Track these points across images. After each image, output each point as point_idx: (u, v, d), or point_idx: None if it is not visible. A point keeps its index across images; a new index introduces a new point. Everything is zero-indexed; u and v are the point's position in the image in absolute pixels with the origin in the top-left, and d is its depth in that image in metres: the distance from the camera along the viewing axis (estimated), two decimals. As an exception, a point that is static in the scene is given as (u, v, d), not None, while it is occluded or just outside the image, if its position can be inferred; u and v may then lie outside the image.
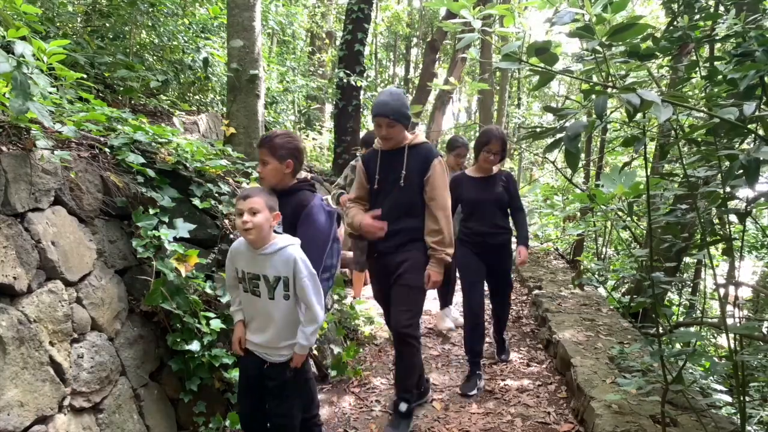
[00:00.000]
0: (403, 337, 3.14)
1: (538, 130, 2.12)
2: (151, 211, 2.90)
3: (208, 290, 3.05)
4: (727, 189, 2.23)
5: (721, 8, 2.84)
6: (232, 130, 4.29)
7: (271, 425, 2.64)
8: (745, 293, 6.87)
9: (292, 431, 2.63)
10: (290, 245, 2.50)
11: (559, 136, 1.73)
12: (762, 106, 1.91)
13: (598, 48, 1.74)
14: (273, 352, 2.57)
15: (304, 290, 2.48)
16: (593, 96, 1.78)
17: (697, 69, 2.35)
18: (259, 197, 2.45)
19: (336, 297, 4.72)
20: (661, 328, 2.99)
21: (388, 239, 3.15)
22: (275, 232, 2.64)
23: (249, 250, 2.51)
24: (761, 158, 1.60)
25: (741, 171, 1.64)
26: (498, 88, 14.61)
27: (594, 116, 1.66)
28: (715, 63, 2.51)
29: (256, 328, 2.58)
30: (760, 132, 1.78)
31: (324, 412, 3.65)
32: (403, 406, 3.26)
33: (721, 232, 2.82)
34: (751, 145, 1.86)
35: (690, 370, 3.65)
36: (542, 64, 1.77)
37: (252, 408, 2.66)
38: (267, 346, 2.56)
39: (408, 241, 3.16)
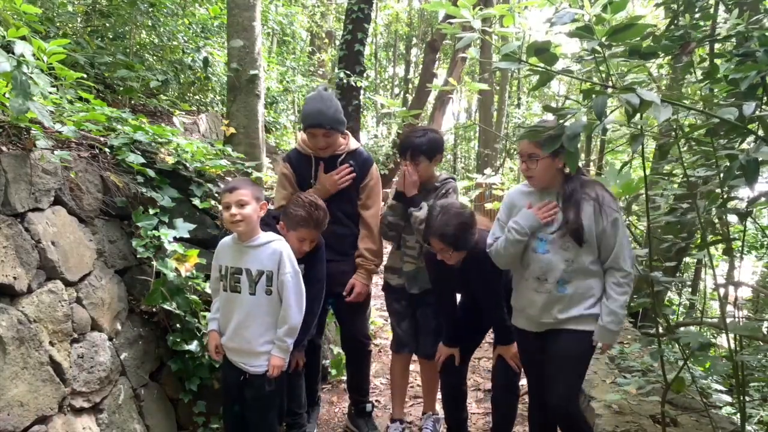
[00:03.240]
0: (365, 346, 3.28)
1: (538, 129, 2.12)
2: (151, 211, 2.90)
3: (208, 290, 3.04)
4: (727, 189, 2.23)
5: (722, 8, 2.84)
6: (232, 130, 4.28)
7: None
8: (745, 293, 6.87)
9: None
10: (277, 240, 2.52)
11: (558, 134, 1.74)
12: (763, 106, 1.91)
13: (597, 48, 1.74)
14: (251, 360, 2.51)
15: (285, 286, 2.46)
16: (593, 96, 1.78)
17: (692, 70, 2.35)
18: (245, 189, 2.43)
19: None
20: (661, 328, 2.99)
21: (335, 244, 3.04)
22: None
23: (235, 243, 2.51)
24: (760, 158, 1.60)
25: (740, 171, 1.64)
26: (498, 88, 14.61)
27: (593, 116, 1.66)
28: (715, 61, 2.51)
29: (234, 330, 2.50)
30: (760, 132, 1.78)
31: (324, 412, 3.65)
32: (369, 407, 3.40)
33: (720, 233, 2.81)
34: (751, 145, 1.86)
35: (690, 370, 3.64)
36: (542, 64, 1.77)
37: (235, 420, 2.62)
38: (245, 351, 2.50)
39: (351, 249, 3.13)
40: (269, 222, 2.75)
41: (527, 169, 2.40)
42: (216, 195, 3.39)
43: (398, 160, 3.29)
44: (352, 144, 3.17)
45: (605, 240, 2.33)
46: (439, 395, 3.92)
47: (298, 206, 2.67)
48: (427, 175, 2.98)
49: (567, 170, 2.38)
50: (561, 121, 1.92)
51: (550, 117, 2.64)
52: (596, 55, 1.80)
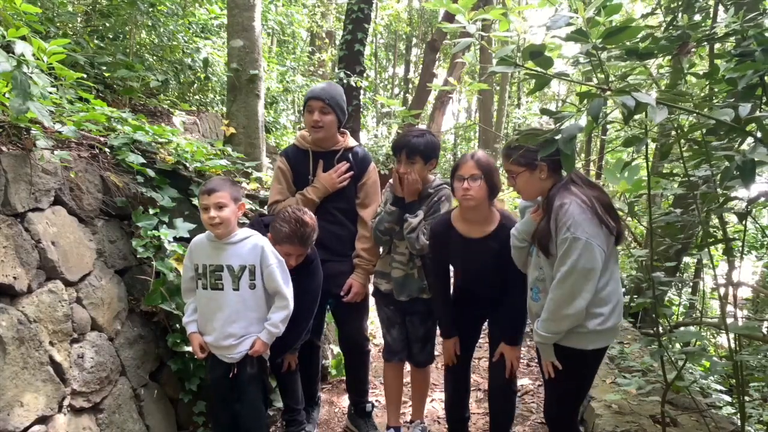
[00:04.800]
0: (363, 346, 3.28)
1: (536, 132, 2.13)
2: (151, 211, 2.90)
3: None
4: (726, 189, 2.23)
5: (721, 8, 2.84)
6: (232, 130, 4.29)
7: (242, 429, 2.62)
8: (745, 293, 6.86)
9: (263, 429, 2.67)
10: (255, 234, 2.55)
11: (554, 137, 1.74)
12: (762, 107, 1.91)
13: (592, 51, 1.74)
14: (234, 350, 2.52)
15: (273, 277, 2.49)
16: (590, 98, 1.78)
17: (683, 75, 2.34)
18: (224, 191, 2.43)
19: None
20: (661, 328, 2.99)
21: (333, 244, 3.04)
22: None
23: (212, 241, 2.51)
24: (757, 159, 1.60)
25: (737, 172, 1.64)
26: (498, 88, 14.61)
27: (590, 119, 1.66)
28: (715, 62, 2.51)
29: (219, 328, 2.50)
30: (758, 134, 1.78)
31: (324, 412, 3.66)
32: (369, 407, 3.39)
33: (719, 233, 2.82)
34: (750, 146, 1.86)
35: (690, 370, 3.65)
36: (538, 68, 1.77)
37: (226, 419, 2.61)
38: (232, 347, 2.50)
39: (349, 249, 3.12)
40: (260, 230, 2.75)
41: (512, 185, 2.38)
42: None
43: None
44: (350, 142, 3.16)
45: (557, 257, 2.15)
46: (435, 399, 3.93)
47: (284, 221, 2.65)
48: (420, 179, 2.85)
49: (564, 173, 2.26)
50: (557, 125, 1.92)
51: (537, 123, 2.62)
52: (591, 58, 1.80)
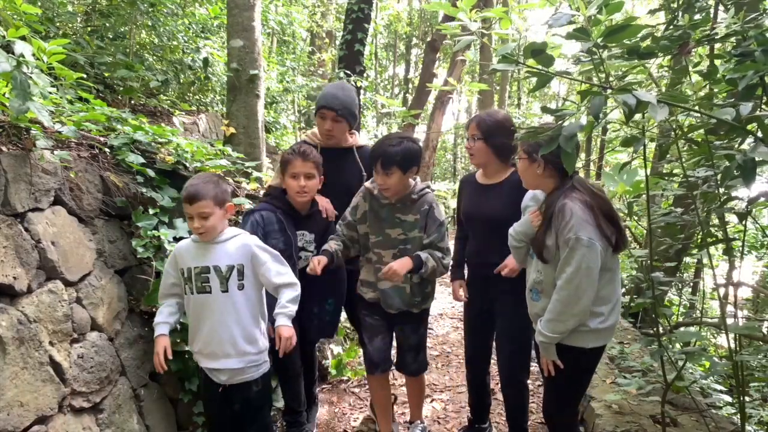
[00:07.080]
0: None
1: (537, 129, 2.13)
2: (151, 211, 2.90)
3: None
4: (726, 189, 2.23)
5: (721, 7, 2.84)
6: (232, 130, 4.29)
7: None
8: (745, 293, 6.87)
9: None
10: (243, 233, 2.47)
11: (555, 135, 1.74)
12: (762, 106, 1.91)
13: (594, 49, 1.74)
14: (232, 362, 2.40)
15: (269, 275, 2.38)
16: (591, 96, 1.78)
17: (688, 72, 2.35)
18: (206, 198, 2.29)
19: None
20: (661, 328, 2.99)
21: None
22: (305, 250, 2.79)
23: (197, 243, 2.42)
24: (758, 158, 1.61)
25: (738, 171, 1.64)
26: (498, 88, 14.62)
27: (591, 117, 1.66)
28: (714, 62, 2.51)
29: (208, 333, 2.40)
30: (759, 133, 1.78)
31: (324, 412, 3.66)
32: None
33: (719, 233, 2.82)
34: (751, 145, 1.86)
35: (690, 370, 3.65)
36: (539, 66, 1.77)
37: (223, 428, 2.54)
38: (225, 354, 2.39)
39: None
40: (276, 195, 2.93)
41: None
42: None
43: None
44: (360, 141, 3.20)
45: (559, 258, 2.18)
46: (435, 399, 3.93)
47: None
48: (400, 187, 2.71)
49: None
50: (559, 123, 1.92)
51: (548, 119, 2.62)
52: (593, 56, 1.80)
